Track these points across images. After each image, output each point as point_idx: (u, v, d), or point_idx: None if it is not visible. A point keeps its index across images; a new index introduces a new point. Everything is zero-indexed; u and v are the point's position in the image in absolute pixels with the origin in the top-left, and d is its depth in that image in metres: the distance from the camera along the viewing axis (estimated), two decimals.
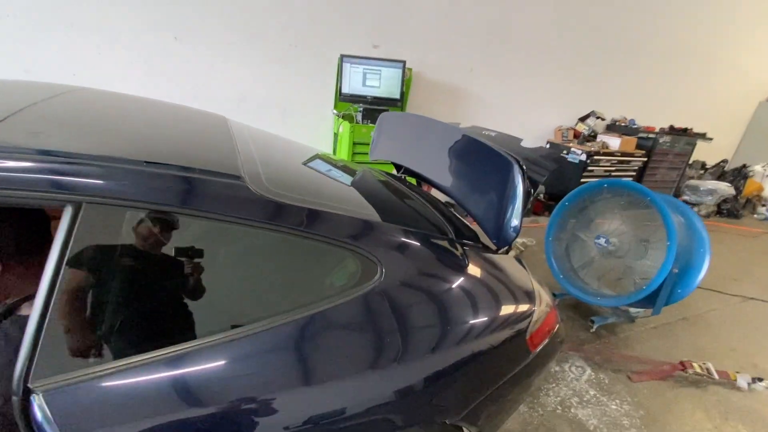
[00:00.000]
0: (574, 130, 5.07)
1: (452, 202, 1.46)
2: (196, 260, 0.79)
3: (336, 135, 3.63)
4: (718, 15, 5.53)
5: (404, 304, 0.95)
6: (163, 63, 3.07)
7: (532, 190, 1.42)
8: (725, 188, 5.54)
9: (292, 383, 0.83)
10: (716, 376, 2.19)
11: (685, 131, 5.31)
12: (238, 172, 0.87)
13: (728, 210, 5.73)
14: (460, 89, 4.32)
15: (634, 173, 5.12)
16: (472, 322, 1.02)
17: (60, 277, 0.68)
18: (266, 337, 0.81)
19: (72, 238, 0.69)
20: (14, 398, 0.66)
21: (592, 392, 2.06)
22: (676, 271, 2.18)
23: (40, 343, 0.67)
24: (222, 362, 0.78)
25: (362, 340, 0.91)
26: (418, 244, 1.02)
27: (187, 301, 0.80)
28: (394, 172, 1.83)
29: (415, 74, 3.88)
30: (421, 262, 1.01)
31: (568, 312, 2.78)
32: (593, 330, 2.54)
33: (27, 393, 0.67)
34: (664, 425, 1.90)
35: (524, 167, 1.15)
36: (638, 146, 5.05)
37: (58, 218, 0.71)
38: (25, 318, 0.68)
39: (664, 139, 5.14)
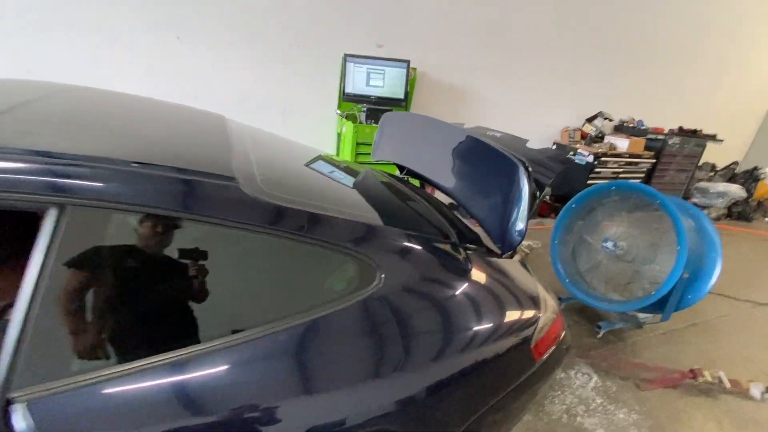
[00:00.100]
0: (582, 131, 5.00)
1: (456, 204, 1.43)
2: (186, 265, 0.76)
3: (339, 135, 3.60)
4: (729, 14, 5.44)
5: (405, 311, 0.92)
6: (163, 63, 3.06)
7: (538, 193, 1.38)
8: (736, 190, 5.43)
9: (284, 393, 0.80)
10: (728, 385, 2.12)
11: (694, 132, 5.23)
12: (231, 173, 0.84)
13: (739, 213, 5.64)
14: (464, 89, 4.28)
15: (642, 175, 5.05)
16: (475, 329, 0.99)
17: (43, 281, 0.65)
18: (256, 346, 0.78)
19: (55, 242, 0.66)
20: None
21: (599, 400, 2.01)
22: (687, 276, 2.12)
23: (21, 350, 0.64)
24: (209, 371, 0.75)
25: (361, 347, 0.88)
26: (420, 248, 0.99)
27: (175, 306, 0.77)
28: (397, 173, 1.80)
29: (420, 74, 3.84)
30: (422, 267, 0.98)
31: (574, 316, 2.73)
32: (600, 335, 2.49)
33: (7, 403, 0.64)
34: None
35: (530, 169, 1.12)
36: (647, 147, 4.98)
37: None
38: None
39: (674, 140, 5.07)
